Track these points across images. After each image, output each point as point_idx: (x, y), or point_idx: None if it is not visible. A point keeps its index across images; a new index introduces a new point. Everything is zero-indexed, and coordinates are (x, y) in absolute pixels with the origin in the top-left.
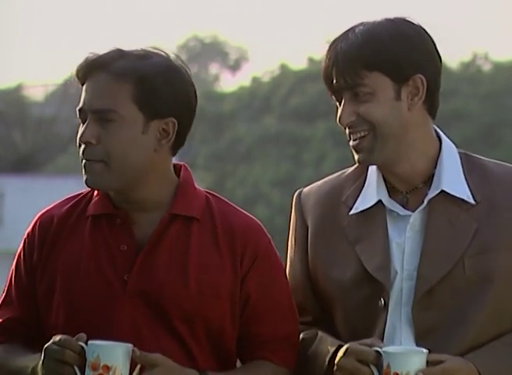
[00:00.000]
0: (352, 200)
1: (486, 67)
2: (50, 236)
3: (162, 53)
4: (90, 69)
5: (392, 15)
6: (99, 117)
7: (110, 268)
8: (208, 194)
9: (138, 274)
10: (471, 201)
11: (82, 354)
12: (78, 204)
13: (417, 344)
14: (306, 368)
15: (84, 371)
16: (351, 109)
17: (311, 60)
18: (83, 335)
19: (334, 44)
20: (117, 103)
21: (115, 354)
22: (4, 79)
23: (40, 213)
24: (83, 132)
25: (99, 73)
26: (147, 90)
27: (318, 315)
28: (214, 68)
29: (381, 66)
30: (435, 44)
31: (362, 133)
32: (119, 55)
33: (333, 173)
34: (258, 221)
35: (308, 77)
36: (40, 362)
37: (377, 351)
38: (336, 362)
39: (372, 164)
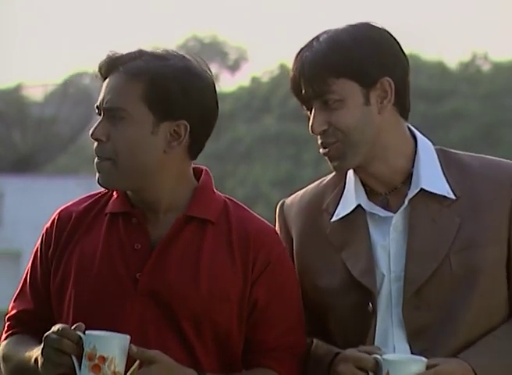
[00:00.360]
0: (333, 207)
1: (486, 67)
2: (67, 231)
3: (187, 56)
4: (110, 68)
5: (390, 15)
6: (111, 115)
7: (123, 266)
8: (227, 200)
9: (150, 273)
10: (452, 196)
11: (80, 344)
12: (97, 202)
13: (410, 345)
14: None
15: (81, 361)
16: (322, 118)
17: None
18: (81, 325)
19: (300, 54)
20: (127, 102)
21: (111, 345)
22: (3, 79)
23: (59, 209)
24: (94, 129)
25: (115, 72)
26: (158, 90)
27: (311, 325)
28: (213, 68)
29: (347, 71)
30: (400, 46)
31: (333, 141)
32: (137, 55)
33: (314, 182)
34: (274, 228)
35: None
36: (40, 351)
37: (375, 359)
38: (334, 368)
39: (348, 169)
